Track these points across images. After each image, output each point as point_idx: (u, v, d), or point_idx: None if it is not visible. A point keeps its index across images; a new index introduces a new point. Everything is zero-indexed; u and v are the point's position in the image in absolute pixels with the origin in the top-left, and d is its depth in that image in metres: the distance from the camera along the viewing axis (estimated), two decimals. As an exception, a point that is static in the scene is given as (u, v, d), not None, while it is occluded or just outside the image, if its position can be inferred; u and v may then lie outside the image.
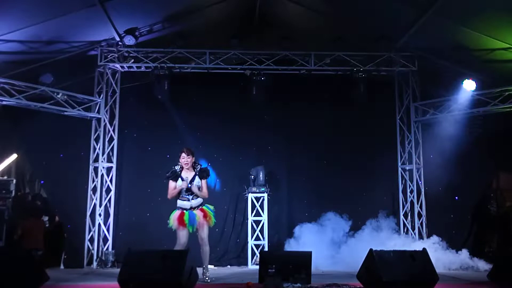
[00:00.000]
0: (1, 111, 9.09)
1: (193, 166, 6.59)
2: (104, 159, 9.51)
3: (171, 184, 6.50)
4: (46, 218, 9.14)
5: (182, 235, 6.40)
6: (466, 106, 9.27)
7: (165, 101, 9.61)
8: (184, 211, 6.45)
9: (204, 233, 6.49)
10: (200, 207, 6.52)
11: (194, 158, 6.61)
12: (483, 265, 8.41)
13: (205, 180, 6.60)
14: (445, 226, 9.68)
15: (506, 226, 9.12)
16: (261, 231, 9.41)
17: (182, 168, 6.52)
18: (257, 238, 9.41)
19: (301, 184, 10.11)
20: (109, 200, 9.49)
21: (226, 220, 9.89)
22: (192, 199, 6.47)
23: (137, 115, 10.04)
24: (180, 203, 6.53)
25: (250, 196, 9.59)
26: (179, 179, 6.50)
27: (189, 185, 6.44)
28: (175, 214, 6.51)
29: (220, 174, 9.89)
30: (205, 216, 6.47)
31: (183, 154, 6.51)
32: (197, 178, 6.51)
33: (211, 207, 6.70)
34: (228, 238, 9.77)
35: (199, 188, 6.53)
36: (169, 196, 6.59)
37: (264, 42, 9.93)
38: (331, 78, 10.01)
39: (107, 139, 9.59)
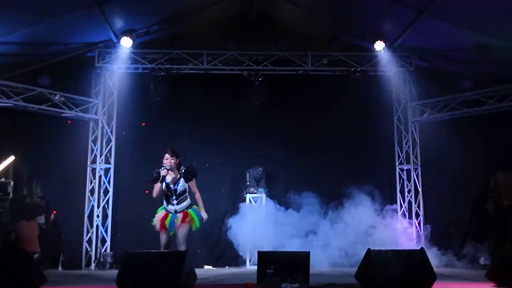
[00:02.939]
0: (-1, 113, 9.09)
1: (178, 168, 6.30)
2: (102, 160, 9.52)
3: (157, 184, 6.24)
4: (42, 220, 9.10)
5: (162, 238, 6.25)
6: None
7: (163, 102, 9.61)
8: (169, 213, 6.26)
9: (180, 234, 6.15)
10: (185, 210, 6.25)
11: (178, 159, 6.30)
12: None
13: (192, 181, 6.30)
14: (443, 226, 9.70)
15: (504, 225, 9.13)
16: (260, 231, 9.40)
17: (168, 171, 6.20)
18: (256, 239, 9.39)
19: (299, 184, 10.09)
20: (107, 202, 9.49)
21: (224, 220, 9.88)
22: (177, 204, 6.22)
23: (134, 116, 10.03)
24: (166, 206, 6.31)
25: (248, 196, 9.59)
26: (164, 182, 6.22)
27: (167, 169, 6.14)
28: (159, 214, 6.32)
29: (218, 174, 9.88)
30: (184, 218, 6.18)
31: (166, 155, 6.22)
32: (182, 181, 6.24)
33: (199, 209, 6.38)
34: (226, 239, 9.76)
35: (186, 190, 6.26)
36: (154, 195, 6.33)
37: (261, 43, 9.94)
38: (328, 78, 10.02)
39: (104, 141, 9.61)
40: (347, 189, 9.64)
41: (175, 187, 6.23)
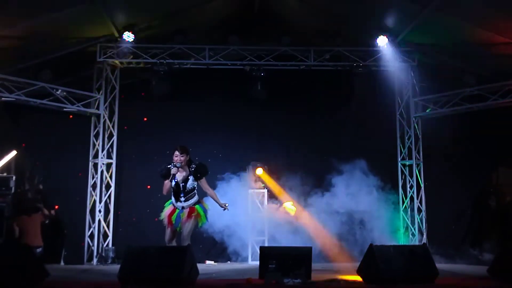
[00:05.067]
0: (1, 107, 9.08)
1: (188, 165, 6.16)
2: (103, 155, 9.52)
3: (167, 182, 6.13)
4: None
5: (167, 233, 6.20)
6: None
7: (165, 97, 9.60)
8: (176, 208, 6.18)
9: (185, 229, 6.08)
10: (192, 205, 6.17)
11: (188, 156, 6.16)
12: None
13: (202, 180, 6.18)
14: (445, 221, 9.70)
15: (506, 221, 9.12)
16: (262, 227, 9.42)
17: (178, 168, 6.06)
18: (258, 234, 9.42)
19: (301, 179, 10.08)
20: (109, 197, 9.51)
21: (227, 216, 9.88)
22: (185, 201, 6.12)
23: (136, 111, 10.05)
24: (174, 202, 6.23)
25: (250, 191, 9.59)
26: (173, 180, 6.11)
27: (177, 167, 6.01)
28: (168, 210, 6.25)
29: (220, 170, 9.86)
30: (190, 213, 6.10)
31: (176, 152, 6.06)
32: (191, 179, 6.13)
33: (206, 206, 6.33)
34: (229, 234, 9.77)
35: (195, 188, 6.17)
36: (164, 192, 6.24)
37: (264, 38, 9.92)
38: (331, 73, 9.99)
39: (106, 135, 9.62)
40: (349, 184, 9.66)
41: (184, 185, 6.13)
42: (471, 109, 9.46)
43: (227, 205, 6.34)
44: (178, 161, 6.07)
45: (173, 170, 6.03)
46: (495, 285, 5.57)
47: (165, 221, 6.23)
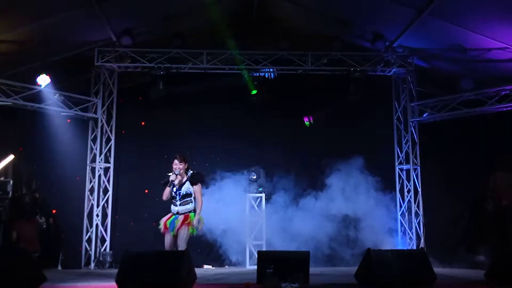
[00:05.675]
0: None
1: (186, 173, 6.41)
2: (101, 159, 9.51)
3: (167, 188, 6.37)
4: (43, 219, 9.10)
5: (166, 240, 6.30)
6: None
7: (162, 101, 9.60)
8: (172, 214, 6.34)
9: (181, 236, 6.18)
10: (187, 213, 6.29)
11: (187, 164, 6.42)
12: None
13: (197, 186, 6.37)
14: (442, 225, 9.71)
15: (503, 225, 9.13)
16: (259, 231, 9.41)
17: (177, 175, 6.31)
18: (256, 238, 9.41)
19: (297, 182, 10.08)
20: (107, 201, 9.49)
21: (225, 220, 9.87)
22: (180, 205, 6.29)
23: (134, 115, 10.05)
24: (171, 207, 6.41)
25: (248, 196, 9.58)
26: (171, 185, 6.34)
27: (175, 174, 6.24)
28: (165, 217, 6.41)
29: (217, 173, 9.87)
30: (184, 220, 6.22)
31: (175, 161, 6.34)
32: (187, 184, 6.34)
33: (201, 218, 6.35)
34: (226, 239, 9.76)
35: (190, 194, 6.31)
36: (163, 198, 6.43)
37: (261, 42, 9.93)
38: (328, 77, 10.01)
39: (104, 140, 9.60)
40: (346, 188, 9.67)
41: (180, 189, 6.33)
42: (468, 114, 9.49)
43: (194, 226, 6.27)
44: (177, 168, 6.34)
45: (172, 177, 6.30)
46: (492, 289, 5.59)
47: (162, 228, 6.32)
